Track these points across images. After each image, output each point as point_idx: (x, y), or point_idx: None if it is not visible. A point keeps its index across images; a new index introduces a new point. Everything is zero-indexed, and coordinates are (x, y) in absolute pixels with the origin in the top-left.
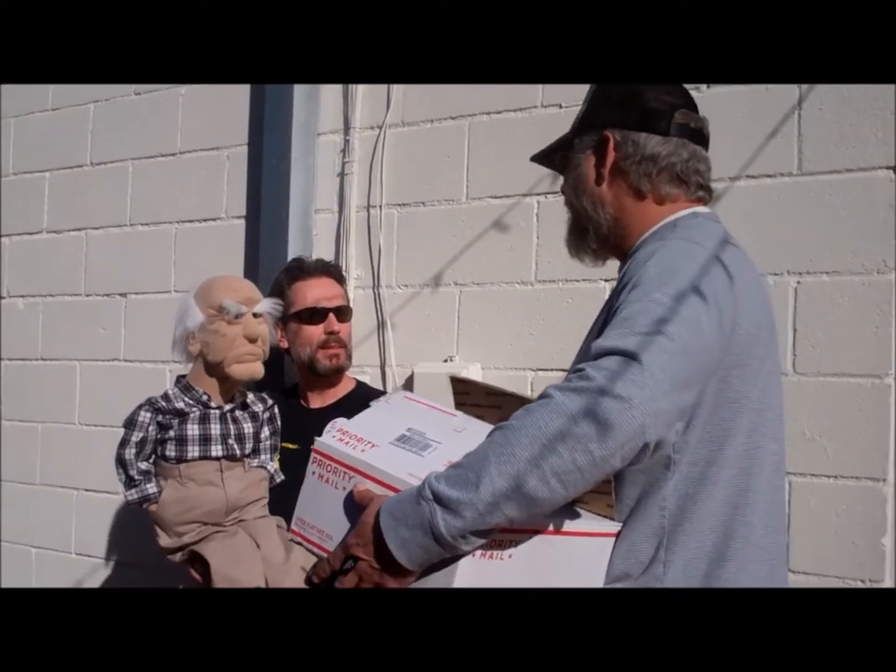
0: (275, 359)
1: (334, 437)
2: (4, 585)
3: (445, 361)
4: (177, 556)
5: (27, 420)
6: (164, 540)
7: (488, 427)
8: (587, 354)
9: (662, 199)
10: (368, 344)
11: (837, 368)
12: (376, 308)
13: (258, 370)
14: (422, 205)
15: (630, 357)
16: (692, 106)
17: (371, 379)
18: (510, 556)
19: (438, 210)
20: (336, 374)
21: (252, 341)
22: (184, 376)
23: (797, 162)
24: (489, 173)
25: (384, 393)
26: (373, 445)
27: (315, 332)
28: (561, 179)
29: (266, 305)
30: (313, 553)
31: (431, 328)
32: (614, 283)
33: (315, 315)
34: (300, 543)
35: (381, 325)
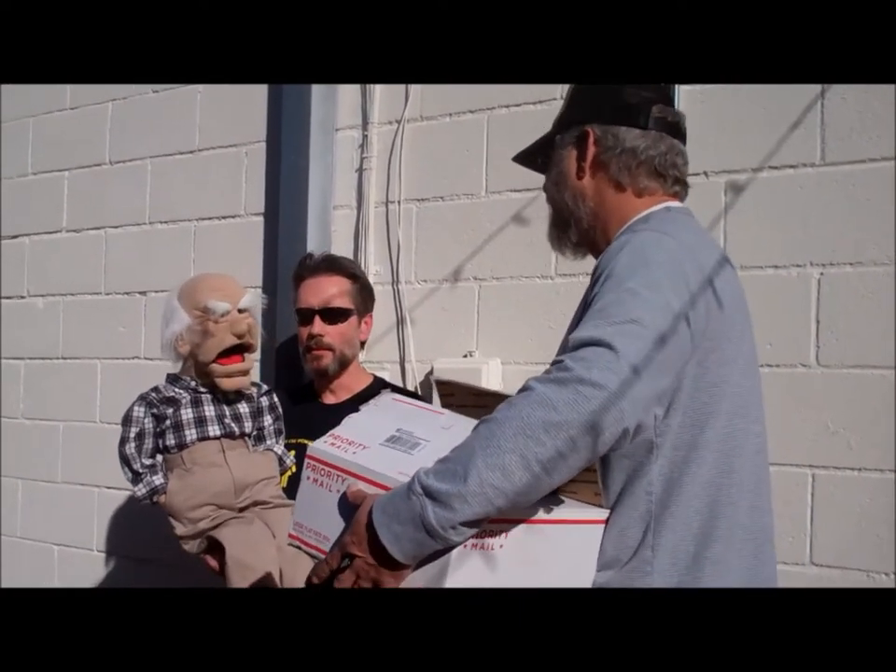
0: (294, 356)
1: (326, 442)
2: (27, 582)
3: (465, 357)
4: (195, 546)
5: (49, 419)
6: (180, 529)
7: (475, 423)
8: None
9: (640, 191)
10: (387, 340)
11: (861, 359)
12: (395, 304)
13: (244, 384)
14: (441, 200)
15: (606, 346)
16: (668, 101)
17: (390, 375)
18: (501, 546)
19: (457, 205)
20: (322, 377)
21: (240, 336)
22: (172, 374)
23: (820, 153)
24: (509, 166)
25: (401, 389)
26: (364, 447)
27: (304, 334)
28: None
29: (249, 300)
30: (312, 556)
31: (451, 323)
32: None
33: (303, 316)
34: (298, 547)
35: (400, 320)
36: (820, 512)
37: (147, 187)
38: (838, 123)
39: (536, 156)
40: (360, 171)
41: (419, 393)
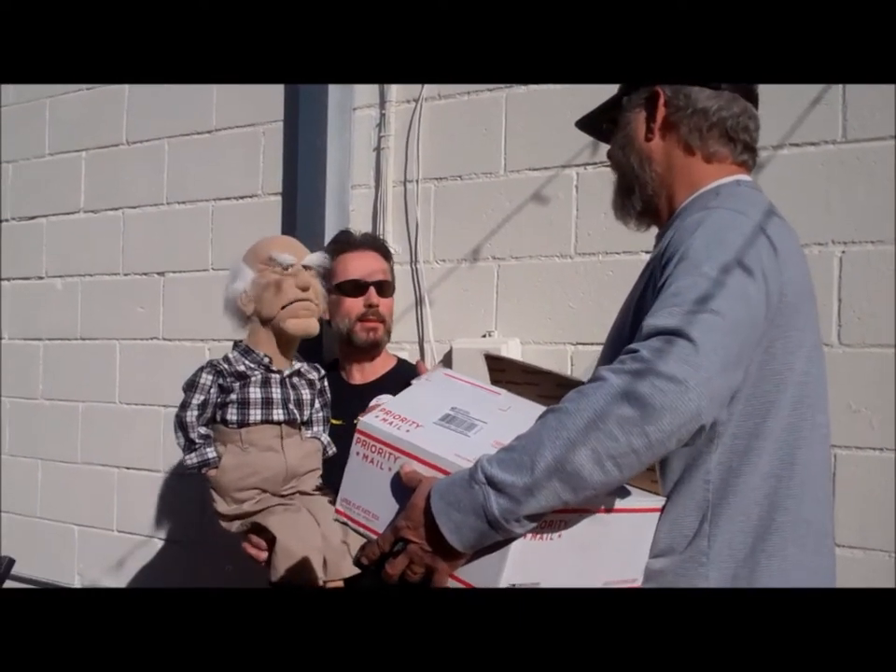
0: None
1: (377, 417)
2: (47, 563)
3: (484, 337)
4: (235, 525)
5: (68, 399)
6: (222, 507)
7: (533, 406)
8: (622, 326)
9: (710, 156)
10: (406, 320)
11: (882, 338)
12: (414, 284)
13: (313, 325)
14: (459, 179)
15: (684, 336)
16: None
17: (409, 355)
18: (559, 536)
19: (475, 183)
20: (373, 349)
21: (304, 290)
22: (240, 341)
23: (841, 130)
24: (527, 145)
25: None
26: (417, 425)
27: (355, 305)
28: (605, 149)
29: (316, 258)
30: (358, 534)
31: (469, 303)
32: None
33: (356, 287)
34: (345, 523)
35: (419, 300)
36: (842, 493)
37: (165, 167)
38: (860, 100)
39: (599, 121)
40: (378, 150)
41: None
